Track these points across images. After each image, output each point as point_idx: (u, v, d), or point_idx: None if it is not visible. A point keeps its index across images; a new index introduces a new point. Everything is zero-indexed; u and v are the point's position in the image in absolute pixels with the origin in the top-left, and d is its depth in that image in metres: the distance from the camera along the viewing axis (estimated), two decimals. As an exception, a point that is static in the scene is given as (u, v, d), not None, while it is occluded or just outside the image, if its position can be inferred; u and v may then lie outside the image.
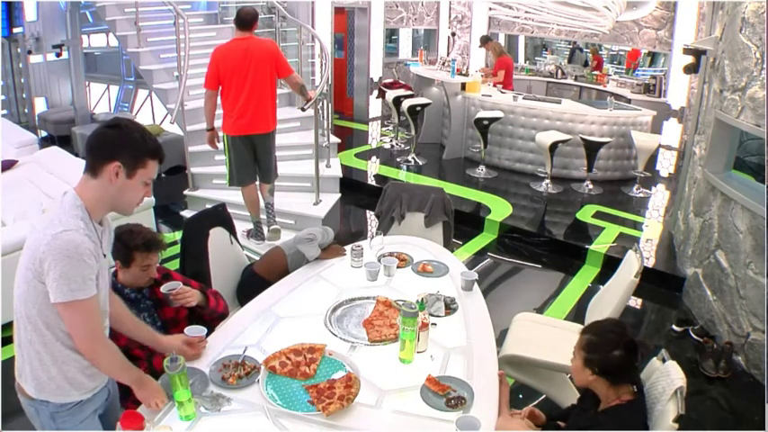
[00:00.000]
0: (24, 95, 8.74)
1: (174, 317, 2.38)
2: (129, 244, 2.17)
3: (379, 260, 2.89)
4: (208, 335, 2.20)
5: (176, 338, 2.06)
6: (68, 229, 1.57)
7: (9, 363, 3.13)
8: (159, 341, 2.03)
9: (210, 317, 2.45)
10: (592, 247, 5.00)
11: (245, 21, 4.22)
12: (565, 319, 3.93)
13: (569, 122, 6.60)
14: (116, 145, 1.64)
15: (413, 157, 7.17)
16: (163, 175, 6.45)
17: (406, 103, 7.06)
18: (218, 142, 4.48)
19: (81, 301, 1.59)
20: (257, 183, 4.60)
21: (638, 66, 10.01)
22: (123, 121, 1.71)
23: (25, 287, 1.63)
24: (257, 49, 4.22)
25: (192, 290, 2.32)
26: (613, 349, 1.83)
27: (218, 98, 4.31)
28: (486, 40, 8.37)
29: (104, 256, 1.74)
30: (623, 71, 10.08)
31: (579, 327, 2.95)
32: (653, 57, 9.91)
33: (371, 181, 6.61)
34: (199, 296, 2.35)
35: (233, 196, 4.72)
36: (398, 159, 7.27)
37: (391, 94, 7.53)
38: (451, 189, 6.07)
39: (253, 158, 4.47)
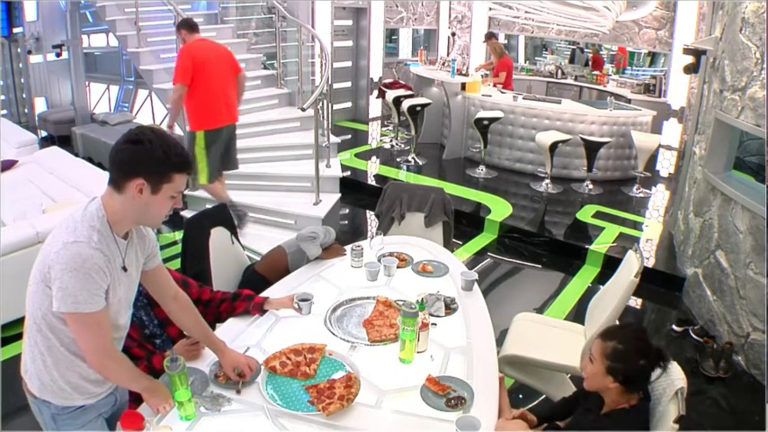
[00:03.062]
0: (24, 95, 8.74)
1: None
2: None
3: (379, 260, 2.89)
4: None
5: (242, 357, 1.99)
6: (79, 240, 1.53)
7: (9, 363, 3.15)
8: (224, 353, 1.98)
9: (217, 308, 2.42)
10: (592, 247, 5.00)
11: (196, 25, 4.58)
12: (565, 319, 3.93)
13: (569, 122, 6.60)
14: (138, 162, 1.56)
15: (413, 157, 7.17)
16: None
17: (406, 103, 7.06)
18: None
19: (86, 314, 1.54)
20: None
21: (625, 63, 9.99)
22: (147, 135, 1.58)
23: (34, 288, 1.60)
24: (217, 46, 4.60)
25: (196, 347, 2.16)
26: (640, 359, 1.80)
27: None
28: (490, 36, 8.39)
29: (125, 269, 1.68)
30: (618, 70, 10.07)
31: (579, 327, 2.97)
32: (653, 57, 9.91)
33: (371, 181, 6.61)
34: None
35: (233, 196, 4.72)
36: (398, 159, 7.27)
37: (391, 94, 7.52)
38: (451, 189, 6.07)
39: (223, 150, 4.65)
